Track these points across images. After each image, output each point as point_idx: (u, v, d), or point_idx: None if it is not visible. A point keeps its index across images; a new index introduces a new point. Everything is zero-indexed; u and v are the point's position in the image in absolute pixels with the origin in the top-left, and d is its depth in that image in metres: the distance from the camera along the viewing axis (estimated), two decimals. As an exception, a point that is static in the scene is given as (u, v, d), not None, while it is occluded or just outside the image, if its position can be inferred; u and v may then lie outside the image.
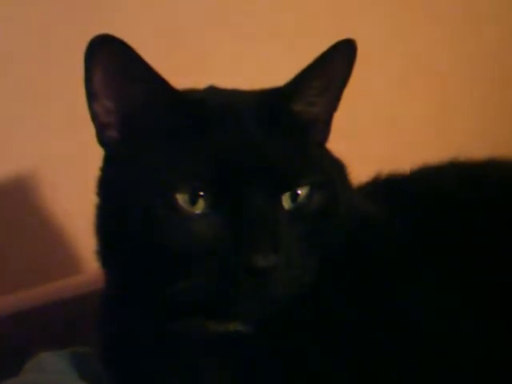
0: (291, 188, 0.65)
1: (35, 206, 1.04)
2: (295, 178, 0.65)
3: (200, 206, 0.63)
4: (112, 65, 0.64)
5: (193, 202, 0.63)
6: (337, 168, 0.72)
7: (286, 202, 0.65)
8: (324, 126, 0.72)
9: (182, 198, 0.63)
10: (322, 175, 0.67)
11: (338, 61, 0.69)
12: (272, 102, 0.68)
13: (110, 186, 0.68)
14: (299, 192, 0.65)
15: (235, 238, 0.62)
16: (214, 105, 0.67)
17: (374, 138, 1.36)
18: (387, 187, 0.80)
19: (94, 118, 0.67)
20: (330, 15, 1.28)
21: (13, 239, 1.02)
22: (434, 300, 0.69)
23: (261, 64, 1.16)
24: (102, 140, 0.68)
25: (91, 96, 0.66)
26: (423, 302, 0.69)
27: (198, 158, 0.63)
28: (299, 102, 0.69)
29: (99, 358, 0.74)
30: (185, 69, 1.02)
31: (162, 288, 0.63)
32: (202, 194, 0.63)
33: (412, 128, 1.43)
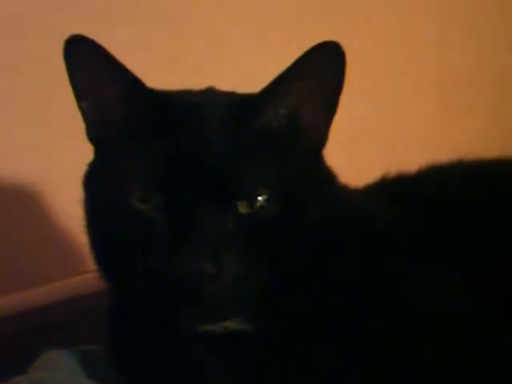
0: (245, 195, 0.63)
1: (38, 206, 1.04)
2: (250, 186, 0.64)
3: (150, 206, 0.63)
4: (82, 65, 0.66)
5: (144, 201, 0.64)
6: (319, 179, 0.69)
7: (242, 206, 0.64)
8: (315, 133, 0.68)
9: (135, 197, 0.64)
10: (286, 185, 0.65)
11: (318, 65, 0.65)
12: (240, 109, 0.66)
13: (88, 181, 0.70)
14: (258, 198, 0.64)
15: (174, 241, 0.61)
16: (178, 106, 0.67)
17: (377, 141, 1.37)
18: (394, 187, 0.80)
19: (82, 114, 0.69)
20: (337, 17, 1.29)
21: (15, 240, 1.03)
22: (435, 283, 0.70)
23: (266, 66, 1.17)
24: (88, 136, 0.70)
25: (75, 94, 0.68)
26: (424, 294, 0.69)
27: (150, 158, 0.64)
28: (270, 111, 0.66)
29: (108, 357, 0.74)
30: (189, 70, 1.03)
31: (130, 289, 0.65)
32: (152, 193, 0.64)
33: (416, 130, 1.43)
